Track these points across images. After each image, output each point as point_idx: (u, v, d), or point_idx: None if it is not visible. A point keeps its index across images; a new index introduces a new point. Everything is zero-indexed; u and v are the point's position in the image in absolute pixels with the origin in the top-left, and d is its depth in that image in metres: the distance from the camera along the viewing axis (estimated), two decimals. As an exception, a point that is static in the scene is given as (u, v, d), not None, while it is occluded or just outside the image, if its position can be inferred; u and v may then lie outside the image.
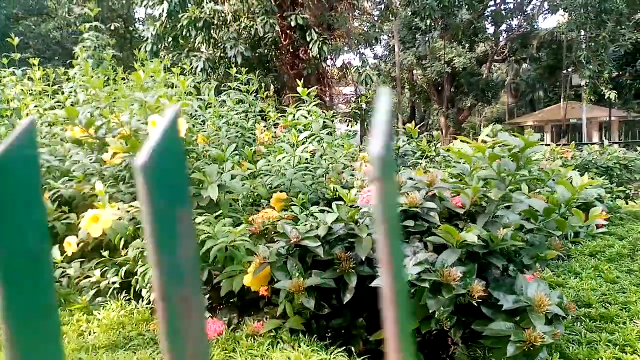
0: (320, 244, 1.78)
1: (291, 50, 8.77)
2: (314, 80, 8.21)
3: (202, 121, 3.50)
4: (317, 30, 8.09)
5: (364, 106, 8.55)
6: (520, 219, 1.91)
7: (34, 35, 13.59)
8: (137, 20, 16.57)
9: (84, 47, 3.53)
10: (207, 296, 2.12)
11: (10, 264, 0.23)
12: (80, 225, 1.92)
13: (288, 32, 8.51)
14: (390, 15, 10.85)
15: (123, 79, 3.58)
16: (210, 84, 4.00)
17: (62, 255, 2.34)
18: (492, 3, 19.03)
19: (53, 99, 3.65)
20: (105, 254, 2.26)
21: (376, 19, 12.04)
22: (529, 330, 1.63)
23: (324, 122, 3.24)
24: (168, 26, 8.57)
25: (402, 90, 20.58)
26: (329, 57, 8.69)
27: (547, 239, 2.16)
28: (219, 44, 8.43)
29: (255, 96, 3.86)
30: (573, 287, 2.58)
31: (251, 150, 2.60)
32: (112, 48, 3.91)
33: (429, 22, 13.39)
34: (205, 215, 2.22)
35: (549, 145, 5.07)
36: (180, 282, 0.19)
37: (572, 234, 2.47)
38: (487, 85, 19.34)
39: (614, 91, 13.61)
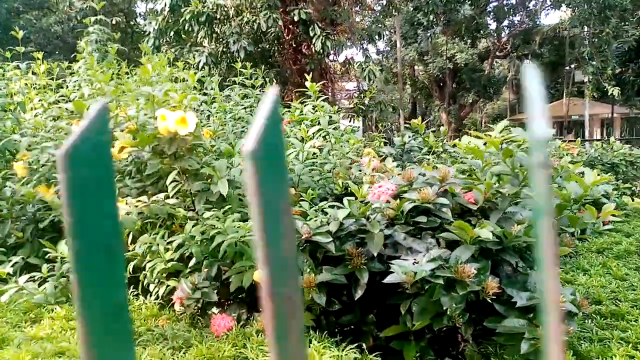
0: (331, 239, 1.77)
1: (293, 45, 8.72)
2: (316, 76, 8.17)
3: (207, 116, 3.48)
4: (320, 25, 8.04)
5: (367, 102, 8.52)
6: (532, 215, 1.90)
7: (35, 29, 13.53)
8: (138, 14, 16.50)
9: (88, 40, 3.50)
10: (216, 291, 2.10)
11: (85, 258, 0.21)
12: (90, 220, 1.90)
13: (290, 26, 8.46)
14: (393, 10, 10.78)
15: (126, 73, 3.56)
16: (212, 78, 3.97)
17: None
18: (494, -2, 18.96)
19: (57, 92, 3.63)
20: (113, 248, 2.25)
21: (378, 14, 11.98)
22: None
23: (330, 117, 3.22)
24: (170, 20, 8.52)
25: (403, 86, 20.52)
26: (332, 52, 8.65)
27: (558, 236, 2.14)
28: (221, 39, 8.39)
29: (260, 91, 3.83)
30: (582, 284, 2.57)
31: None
32: (116, 42, 3.87)
33: (431, 17, 13.33)
34: (213, 210, 2.20)
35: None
36: (285, 280, 0.17)
37: (579, 231, 2.46)
38: (489, 81, 19.28)
39: (617, 87, 13.57)
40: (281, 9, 8.19)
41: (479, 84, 18.98)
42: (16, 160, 2.72)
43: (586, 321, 2.15)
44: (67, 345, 1.76)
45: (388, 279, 1.61)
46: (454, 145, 3.91)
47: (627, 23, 14.30)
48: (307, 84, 2.98)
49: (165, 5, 7.99)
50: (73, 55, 3.73)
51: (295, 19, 7.86)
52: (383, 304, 1.97)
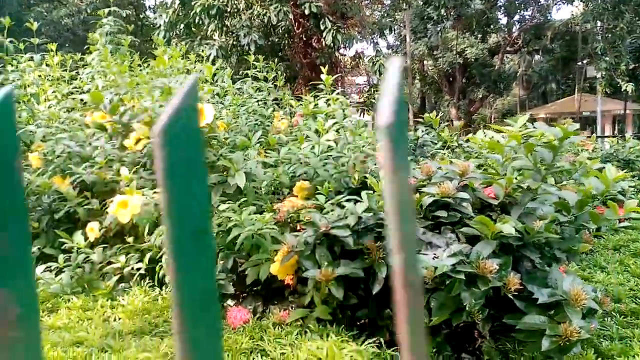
0: (350, 233, 1.76)
1: (304, 39, 8.68)
2: (327, 69, 8.13)
3: (219, 109, 3.47)
4: (330, 19, 7.99)
5: (377, 96, 8.47)
6: (553, 210, 1.87)
7: (46, 21, 13.59)
8: (147, 7, 16.51)
9: (102, 32, 3.50)
10: (231, 284, 2.10)
11: (180, 241, 0.20)
12: (109, 211, 1.91)
13: (301, 20, 8.42)
14: (404, 4, 10.70)
15: (138, 65, 3.55)
16: (224, 71, 3.96)
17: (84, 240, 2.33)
18: (505, -7, 18.76)
19: (70, 84, 3.63)
20: (130, 239, 2.25)
21: (388, 7, 11.90)
22: (565, 324, 1.59)
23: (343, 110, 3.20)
24: (180, 13, 8.52)
25: (413, 81, 20.39)
26: (342, 45, 8.59)
27: (578, 232, 2.11)
28: (232, 32, 8.37)
29: (273, 84, 3.81)
30: (600, 282, 2.54)
31: (274, 137, 2.56)
32: (129, 34, 3.87)
33: (442, 11, 13.21)
34: (228, 203, 2.19)
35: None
36: (415, 266, 0.16)
37: (595, 228, 2.42)
38: (499, 76, 19.12)
39: (631, 83, 13.38)
40: (292, 2, 8.15)
41: (489, 79, 18.83)
42: (31, 152, 2.73)
43: (606, 319, 2.12)
44: (85, 335, 1.76)
45: (408, 274, 1.59)
46: (467, 140, 3.88)
47: (641, 18, 14.08)
48: (323, 76, 2.96)
49: (176, -3, 7.98)
50: (84, 47, 3.73)
51: (306, 12, 7.81)
52: (400, 298, 1.95)
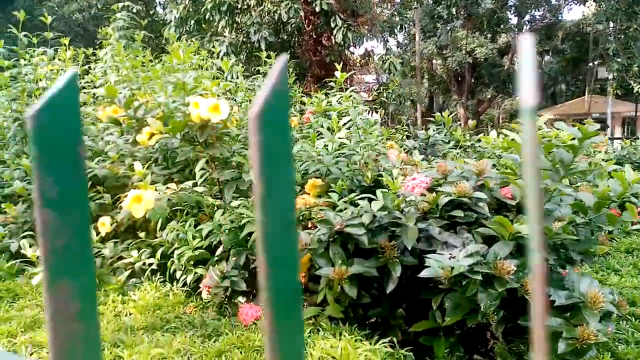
0: (364, 231, 1.74)
1: (314, 36, 8.66)
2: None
3: (230, 105, 3.46)
4: (341, 16, 7.97)
5: (386, 95, 8.44)
6: (570, 212, 1.85)
7: (57, 16, 13.66)
8: (157, 3, 16.53)
9: (115, 27, 3.50)
10: (244, 281, 2.09)
11: (273, 233, 0.19)
12: (123, 205, 1.90)
13: (311, 17, 8.40)
14: (415, 3, 10.64)
15: (150, 60, 3.55)
16: (236, 67, 3.95)
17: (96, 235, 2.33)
18: (516, -8, 18.63)
19: (82, 79, 3.64)
20: (142, 235, 2.25)
21: (398, 6, 11.84)
22: (582, 327, 1.57)
23: (355, 107, 3.18)
24: (191, 9, 8.52)
25: (421, 80, 20.31)
26: (352, 43, 8.57)
27: (594, 234, 2.08)
28: (242, 29, 8.36)
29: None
30: (614, 285, 2.51)
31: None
32: (142, 29, 3.87)
33: (453, 10, 13.13)
34: (241, 199, 2.19)
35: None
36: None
37: (608, 230, 2.39)
38: (509, 76, 19.00)
39: (643, 85, 13.25)
40: (302, 0, 8.13)
41: (498, 79, 18.72)
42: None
43: (621, 322, 2.10)
44: (97, 329, 1.76)
45: (423, 274, 1.57)
46: (479, 140, 3.85)
47: (654, 19, 13.91)
48: (337, 74, 2.95)
49: (187, -7, 7.99)
50: (95, 42, 3.73)
51: (317, 9, 7.79)
52: (412, 298, 1.94)
